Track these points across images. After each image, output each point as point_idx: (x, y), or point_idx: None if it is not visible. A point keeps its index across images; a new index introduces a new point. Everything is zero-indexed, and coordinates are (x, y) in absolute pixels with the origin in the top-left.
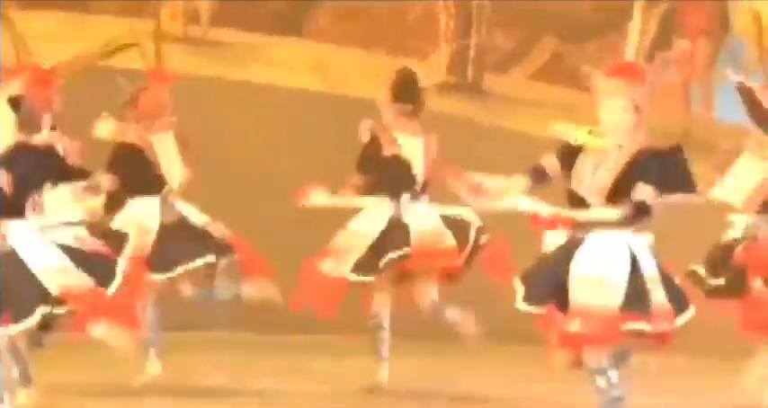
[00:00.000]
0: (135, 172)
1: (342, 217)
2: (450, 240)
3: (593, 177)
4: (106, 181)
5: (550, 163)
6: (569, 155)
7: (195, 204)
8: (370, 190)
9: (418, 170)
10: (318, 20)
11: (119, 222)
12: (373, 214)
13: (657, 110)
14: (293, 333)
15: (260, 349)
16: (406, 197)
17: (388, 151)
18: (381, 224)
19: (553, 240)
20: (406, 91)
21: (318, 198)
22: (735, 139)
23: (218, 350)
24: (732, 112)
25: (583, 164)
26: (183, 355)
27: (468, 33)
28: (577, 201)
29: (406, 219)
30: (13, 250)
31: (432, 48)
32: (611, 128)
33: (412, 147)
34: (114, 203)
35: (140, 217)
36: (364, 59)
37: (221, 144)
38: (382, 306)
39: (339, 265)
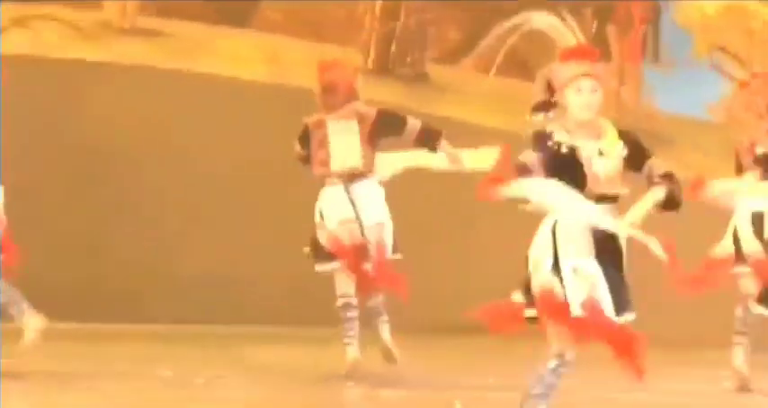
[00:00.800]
0: None
1: (293, 209)
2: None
3: (603, 168)
4: None
5: (531, 161)
6: (549, 151)
7: (146, 192)
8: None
9: (353, 153)
10: (266, 11)
11: None
12: (334, 200)
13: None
14: (240, 324)
15: (206, 340)
16: (356, 183)
17: (316, 139)
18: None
19: None
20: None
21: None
22: (675, 129)
23: (164, 342)
24: (674, 103)
25: (590, 161)
26: (134, 345)
27: (393, 27)
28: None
29: (359, 206)
30: None
31: (381, 40)
32: (583, 110)
33: (343, 131)
34: None
35: None
36: (313, 50)
37: (169, 135)
38: (348, 287)
39: None
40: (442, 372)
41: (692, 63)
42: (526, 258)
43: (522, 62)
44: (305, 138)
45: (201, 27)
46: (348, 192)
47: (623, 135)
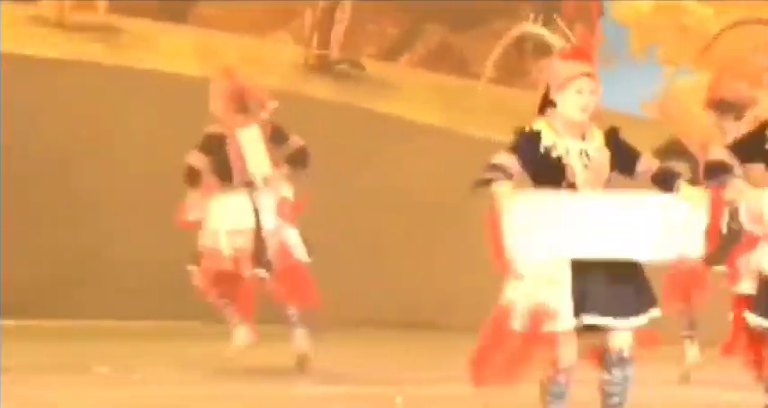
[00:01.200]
0: None
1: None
2: None
3: (589, 167)
4: None
5: (510, 162)
6: (532, 152)
7: (84, 191)
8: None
9: (265, 160)
10: (204, 6)
11: None
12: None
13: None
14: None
15: (144, 336)
16: (257, 188)
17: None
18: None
19: None
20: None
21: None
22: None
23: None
24: (608, 99)
25: (568, 158)
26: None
27: (356, 25)
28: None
29: (262, 213)
30: None
31: (320, 36)
32: (579, 111)
33: (247, 137)
34: None
35: None
36: (250, 45)
37: (108, 130)
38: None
39: None
40: (383, 367)
41: (627, 60)
42: None
43: (458, 57)
44: (209, 148)
45: (143, 23)
46: (252, 200)
47: (609, 135)
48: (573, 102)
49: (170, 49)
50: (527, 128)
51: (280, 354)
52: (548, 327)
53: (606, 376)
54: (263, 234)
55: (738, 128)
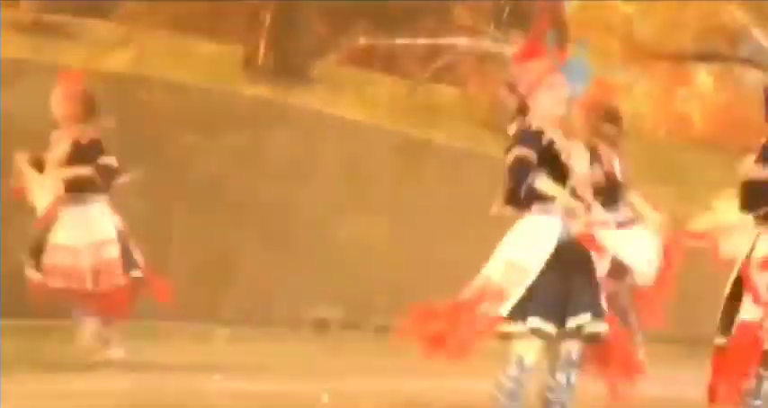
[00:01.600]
0: None
1: None
2: None
3: (587, 173)
4: None
5: (531, 155)
6: (544, 151)
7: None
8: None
9: (112, 159)
10: (131, 3)
11: None
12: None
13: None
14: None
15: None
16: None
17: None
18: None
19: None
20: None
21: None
22: None
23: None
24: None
25: (577, 161)
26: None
27: (285, 23)
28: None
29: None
30: None
31: (249, 34)
32: (557, 105)
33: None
34: None
35: None
36: (176, 42)
37: (35, 126)
38: None
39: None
40: (308, 365)
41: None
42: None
43: (386, 55)
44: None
45: (64, 17)
46: (87, 212)
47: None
48: (548, 98)
49: (97, 46)
50: (528, 126)
51: (191, 351)
52: (492, 309)
53: (550, 382)
54: (120, 236)
55: None
